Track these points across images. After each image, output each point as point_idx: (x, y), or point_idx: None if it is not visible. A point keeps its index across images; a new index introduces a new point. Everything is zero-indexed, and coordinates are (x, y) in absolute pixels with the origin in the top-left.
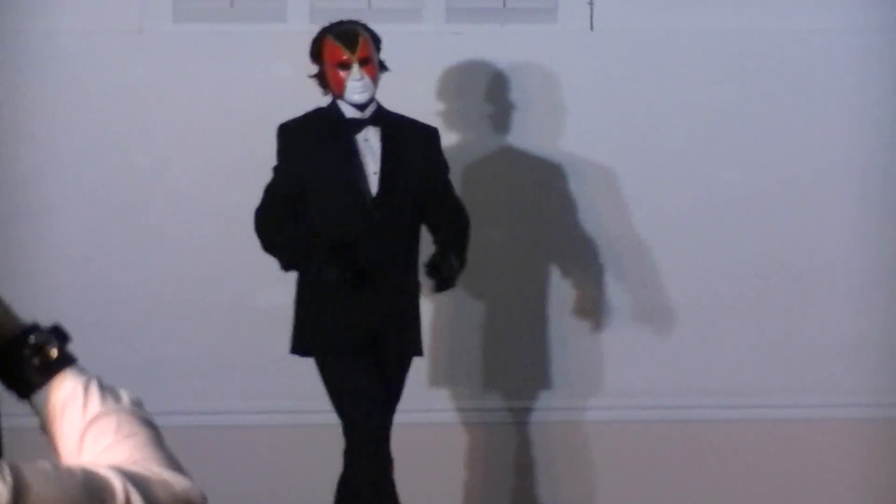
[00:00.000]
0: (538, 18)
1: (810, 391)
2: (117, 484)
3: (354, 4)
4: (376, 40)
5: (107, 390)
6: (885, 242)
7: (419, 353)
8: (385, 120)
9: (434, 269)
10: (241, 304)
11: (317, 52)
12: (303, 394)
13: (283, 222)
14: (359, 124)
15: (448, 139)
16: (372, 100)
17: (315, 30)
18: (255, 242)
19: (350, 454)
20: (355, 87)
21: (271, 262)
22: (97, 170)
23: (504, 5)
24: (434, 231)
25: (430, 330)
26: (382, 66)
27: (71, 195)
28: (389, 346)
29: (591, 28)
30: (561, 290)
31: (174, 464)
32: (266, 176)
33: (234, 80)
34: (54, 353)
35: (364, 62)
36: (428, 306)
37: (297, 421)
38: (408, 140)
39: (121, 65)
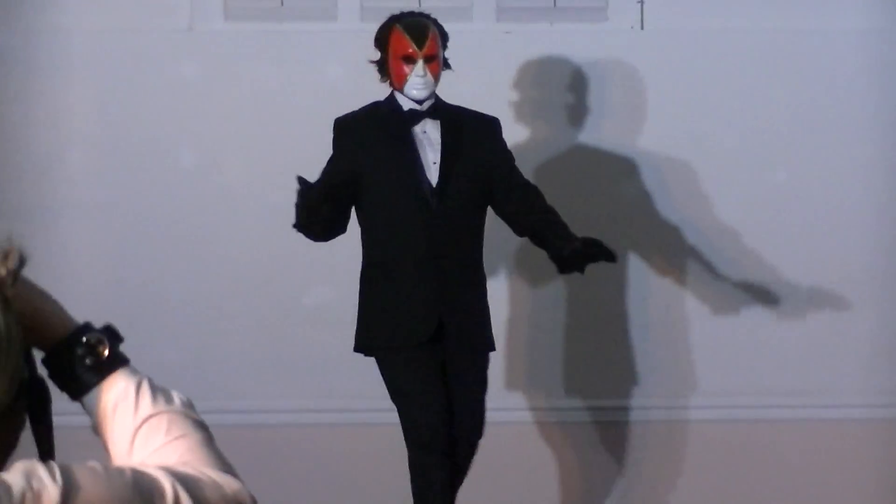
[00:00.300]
0: (588, 17)
1: None
2: (167, 485)
3: (405, 3)
4: (444, 37)
5: (158, 391)
6: None
7: (491, 347)
8: (444, 112)
9: (566, 258)
10: (289, 303)
11: (383, 40)
12: (351, 392)
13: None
14: (417, 116)
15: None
16: (432, 96)
17: (367, 28)
18: (303, 242)
19: (411, 455)
20: (416, 83)
21: (320, 262)
22: (146, 169)
23: (554, 5)
24: (515, 221)
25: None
26: (446, 64)
27: (121, 194)
28: (456, 340)
29: (642, 27)
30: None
31: (225, 465)
32: (316, 175)
33: (283, 80)
34: (106, 353)
35: (429, 59)
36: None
37: (344, 420)
38: (468, 131)
39: (171, 63)
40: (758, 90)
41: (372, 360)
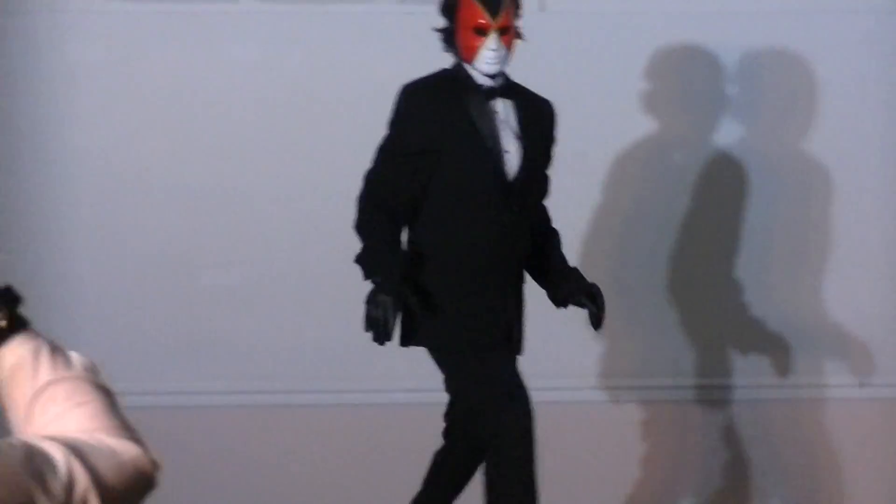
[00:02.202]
0: None
1: None
2: (59, 457)
3: None
4: (517, 5)
5: (58, 356)
6: None
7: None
8: (516, 91)
9: (587, 301)
10: (187, 285)
11: (451, 7)
12: (250, 374)
13: (377, 225)
14: (490, 93)
15: None
16: (502, 71)
17: (268, 9)
18: (201, 223)
19: (498, 454)
20: (488, 56)
21: (220, 243)
22: (42, 151)
23: None
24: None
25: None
26: (519, 35)
27: (19, 178)
28: (518, 336)
29: (543, 9)
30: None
31: (127, 431)
32: (213, 157)
33: (184, 61)
34: (3, 321)
35: (504, 31)
36: None
37: (241, 402)
38: (537, 117)
39: (71, 45)
40: (667, 74)
41: (273, 342)
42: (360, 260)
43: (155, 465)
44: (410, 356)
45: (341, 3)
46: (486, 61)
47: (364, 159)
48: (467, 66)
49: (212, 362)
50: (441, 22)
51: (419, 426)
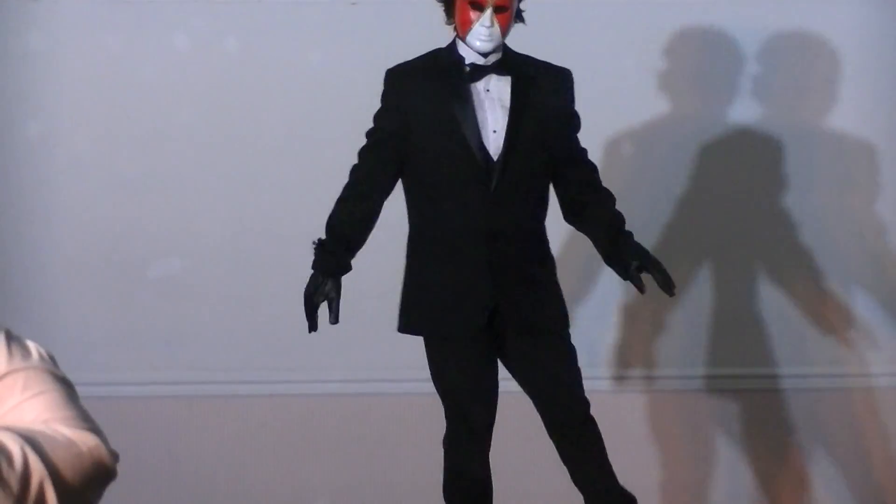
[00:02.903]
0: None
1: None
2: (15, 447)
3: None
4: None
5: (16, 346)
6: None
7: (560, 325)
8: (514, 66)
9: (643, 274)
10: (135, 275)
11: None
12: (198, 365)
13: (347, 203)
14: (479, 71)
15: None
16: (498, 49)
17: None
18: (149, 213)
19: (450, 447)
20: (480, 32)
21: (167, 233)
22: None
23: None
24: (574, 210)
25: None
26: (520, 17)
27: None
28: (516, 326)
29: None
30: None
31: (86, 422)
32: (154, 146)
33: (130, 50)
34: None
35: (500, 9)
36: None
37: (190, 392)
38: (538, 87)
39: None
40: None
41: (219, 332)
42: (315, 248)
43: (113, 455)
44: (353, 346)
45: None
46: (478, 38)
47: (303, 147)
48: (460, 43)
49: (158, 353)
50: None
51: (356, 415)
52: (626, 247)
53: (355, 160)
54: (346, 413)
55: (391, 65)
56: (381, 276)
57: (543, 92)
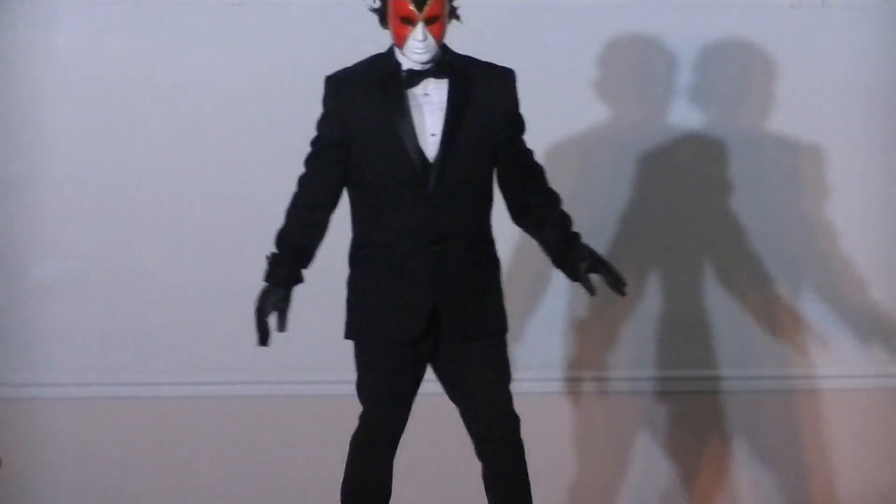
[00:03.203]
0: None
1: None
2: None
3: None
4: None
5: None
6: None
7: (499, 328)
8: (452, 68)
9: (595, 275)
10: (16, 276)
11: None
12: (82, 367)
13: (295, 214)
14: (416, 76)
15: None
16: (435, 56)
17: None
18: (32, 214)
19: (355, 448)
20: (416, 47)
21: (51, 234)
22: None
23: None
24: (521, 212)
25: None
26: (454, 14)
27: None
28: (454, 331)
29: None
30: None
31: None
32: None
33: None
34: None
35: (431, 20)
36: None
37: (69, 394)
38: (478, 88)
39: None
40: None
41: (102, 333)
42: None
43: None
44: (242, 349)
45: None
46: (413, 51)
47: (191, 149)
48: (397, 50)
49: (41, 354)
50: (377, 2)
51: (230, 418)
52: (574, 248)
53: (239, 157)
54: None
55: (276, 67)
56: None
57: (483, 92)
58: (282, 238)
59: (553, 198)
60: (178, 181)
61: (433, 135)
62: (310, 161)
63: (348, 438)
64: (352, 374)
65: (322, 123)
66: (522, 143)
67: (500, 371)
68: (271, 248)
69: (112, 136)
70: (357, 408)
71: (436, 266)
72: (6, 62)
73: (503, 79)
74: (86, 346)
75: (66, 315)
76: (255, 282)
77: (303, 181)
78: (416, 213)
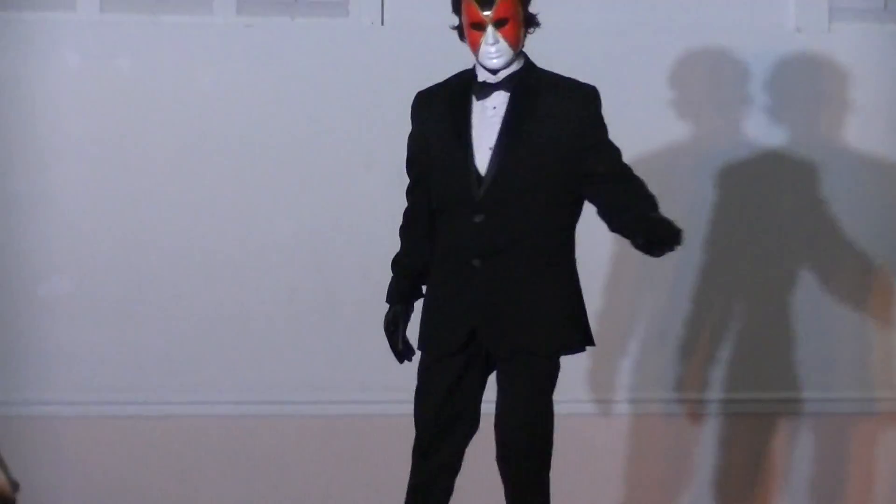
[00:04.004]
0: (329, 12)
1: None
2: None
3: None
4: None
5: None
6: None
7: (545, 349)
8: (521, 81)
9: (646, 239)
10: (24, 294)
11: (456, 4)
12: (98, 386)
13: (410, 238)
14: (486, 89)
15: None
16: (511, 62)
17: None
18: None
19: (412, 459)
20: (489, 52)
21: (59, 252)
22: None
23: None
24: (606, 218)
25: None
26: (532, 22)
27: None
28: (491, 343)
29: (382, 23)
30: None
31: None
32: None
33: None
34: None
35: (500, 23)
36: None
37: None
38: (544, 103)
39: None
40: None
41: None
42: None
43: (14, 485)
44: (246, 368)
45: (179, 15)
46: (486, 56)
47: (196, 166)
48: (477, 64)
49: (46, 371)
50: (455, 20)
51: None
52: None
53: (246, 176)
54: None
55: (283, 86)
56: None
57: (550, 106)
58: (396, 262)
59: (634, 185)
60: (186, 200)
61: (490, 148)
62: (409, 193)
63: (352, 456)
64: (358, 394)
65: (409, 139)
66: (604, 155)
67: (529, 389)
68: (278, 267)
69: (121, 155)
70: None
71: (478, 283)
72: (16, 81)
73: (576, 93)
74: (91, 363)
75: (73, 333)
76: (260, 300)
77: (407, 215)
78: (466, 228)
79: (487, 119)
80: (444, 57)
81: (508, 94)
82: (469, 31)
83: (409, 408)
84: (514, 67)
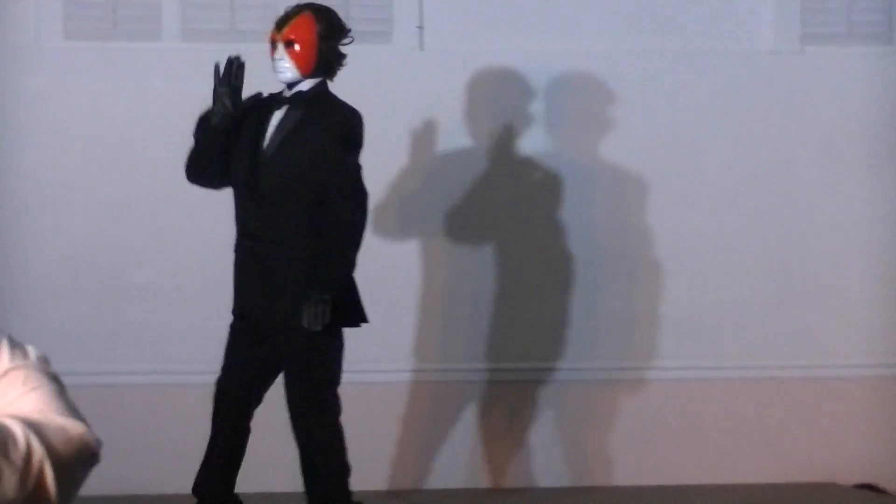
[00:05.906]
0: (373, 39)
1: None
2: (19, 431)
3: (221, 25)
4: (332, 28)
5: (17, 348)
6: None
7: (296, 325)
8: (305, 101)
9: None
10: (115, 281)
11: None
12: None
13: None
14: (278, 102)
15: None
16: (301, 80)
17: (187, 47)
18: (129, 227)
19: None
20: (276, 66)
21: (142, 245)
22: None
23: None
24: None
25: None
26: (335, 55)
27: None
28: (257, 319)
29: (422, 48)
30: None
31: (73, 412)
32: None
33: (114, 93)
34: None
35: (289, 43)
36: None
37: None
38: (308, 120)
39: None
40: (536, 107)
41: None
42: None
43: (98, 441)
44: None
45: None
46: (276, 70)
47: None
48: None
49: (135, 348)
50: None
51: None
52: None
53: None
54: None
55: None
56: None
57: (310, 123)
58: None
59: (331, 224)
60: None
61: (270, 155)
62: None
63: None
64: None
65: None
66: (331, 180)
67: (299, 360)
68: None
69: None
70: None
71: (253, 262)
72: (109, 103)
73: (336, 115)
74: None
75: (156, 313)
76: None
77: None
78: (243, 215)
79: (273, 127)
80: (478, 80)
81: (295, 110)
82: (270, 48)
83: None
84: (307, 86)
